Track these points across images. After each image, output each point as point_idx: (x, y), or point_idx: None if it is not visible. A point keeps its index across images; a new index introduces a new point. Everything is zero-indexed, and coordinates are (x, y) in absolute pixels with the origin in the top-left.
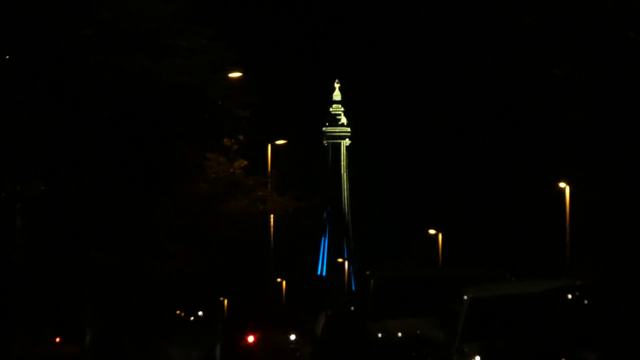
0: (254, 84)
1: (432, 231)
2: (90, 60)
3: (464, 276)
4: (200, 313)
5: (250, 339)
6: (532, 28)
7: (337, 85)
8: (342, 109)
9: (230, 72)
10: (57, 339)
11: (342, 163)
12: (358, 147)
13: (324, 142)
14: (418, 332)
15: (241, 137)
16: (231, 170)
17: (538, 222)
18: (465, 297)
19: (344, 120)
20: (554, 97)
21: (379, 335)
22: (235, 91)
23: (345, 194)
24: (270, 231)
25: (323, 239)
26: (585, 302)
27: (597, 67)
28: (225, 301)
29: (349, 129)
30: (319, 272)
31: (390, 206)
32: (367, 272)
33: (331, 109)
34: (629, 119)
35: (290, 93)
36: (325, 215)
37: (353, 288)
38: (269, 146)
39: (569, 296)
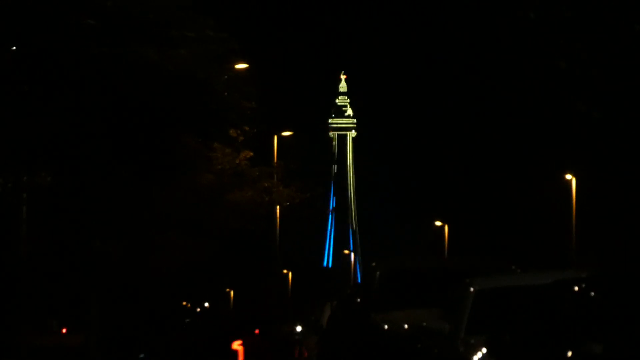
0: (259, 75)
1: (438, 223)
2: (95, 50)
3: (469, 267)
4: (206, 304)
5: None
6: (537, 22)
7: (343, 77)
8: (348, 100)
9: (236, 63)
10: (64, 330)
11: (348, 155)
12: (364, 138)
13: (330, 133)
14: (424, 323)
15: (247, 128)
16: (237, 161)
17: (544, 213)
18: (471, 289)
19: (350, 111)
20: (560, 89)
21: (385, 326)
22: (241, 82)
23: (351, 185)
24: (276, 222)
25: (329, 230)
26: (592, 294)
27: (602, 59)
28: (232, 292)
29: (354, 121)
30: (324, 264)
31: (397, 198)
32: (373, 264)
33: (337, 101)
34: (635, 111)
35: (296, 84)
36: (331, 207)
37: (359, 279)
38: (275, 137)
39: (576, 288)
